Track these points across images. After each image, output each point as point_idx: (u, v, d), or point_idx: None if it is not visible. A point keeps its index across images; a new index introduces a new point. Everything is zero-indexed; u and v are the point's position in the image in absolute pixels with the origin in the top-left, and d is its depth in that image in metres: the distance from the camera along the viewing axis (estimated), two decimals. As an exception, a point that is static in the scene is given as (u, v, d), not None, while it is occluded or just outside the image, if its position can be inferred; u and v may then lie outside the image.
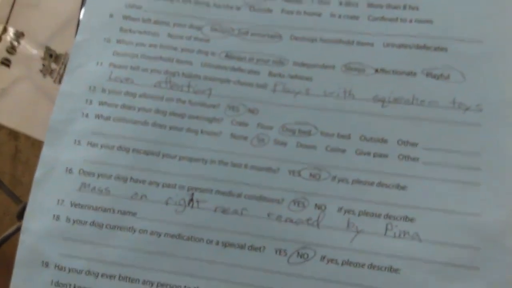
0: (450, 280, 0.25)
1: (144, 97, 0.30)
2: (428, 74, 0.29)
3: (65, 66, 0.34)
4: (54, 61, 0.35)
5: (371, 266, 0.26)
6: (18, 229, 0.32)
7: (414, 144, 0.28)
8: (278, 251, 0.27)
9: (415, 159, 0.28)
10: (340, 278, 0.26)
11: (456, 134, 0.28)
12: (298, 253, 0.27)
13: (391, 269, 0.26)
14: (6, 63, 0.35)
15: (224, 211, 0.28)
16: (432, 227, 0.26)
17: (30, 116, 0.34)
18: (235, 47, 0.31)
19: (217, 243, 0.27)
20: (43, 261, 0.28)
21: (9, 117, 0.35)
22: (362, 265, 0.26)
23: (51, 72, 0.35)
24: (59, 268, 0.28)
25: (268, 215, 0.28)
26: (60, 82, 0.34)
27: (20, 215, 0.33)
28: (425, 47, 0.30)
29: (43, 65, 0.35)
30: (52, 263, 0.28)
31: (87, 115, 0.30)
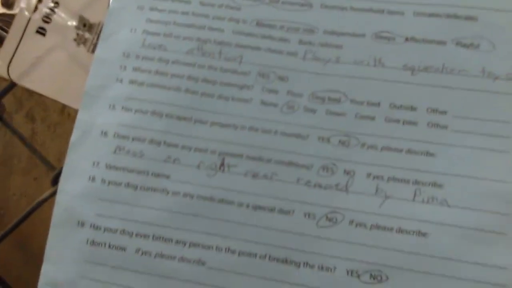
0: (477, 244, 0.26)
1: (176, 63, 0.31)
2: (458, 43, 0.29)
3: (98, 36, 0.35)
4: (87, 31, 0.35)
5: (400, 230, 0.27)
6: (53, 194, 0.33)
7: (443, 112, 0.28)
8: (307, 215, 0.28)
9: (444, 127, 0.28)
10: (369, 241, 0.27)
11: (485, 102, 0.28)
12: (327, 217, 0.27)
13: (419, 233, 0.26)
14: (42, 32, 0.36)
15: (254, 175, 0.28)
16: (460, 193, 0.27)
17: (64, 84, 0.35)
18: (266, 15, 0.31)
19: (248, 206, 0.28)
20: (79, 221, 0.29)
21: (43, 85, 0.35)
22: (391, 229, 0.27)
23: (84, 41, 0.35)
24: (95, 227, 0.29)
25: (298, 180, 0.28)
26: (93, 51, 0.35)
27: (55, 181, 0.34)
28: (455, 16, 0.30)
29: (77, 34, 0.35)
30: (88, 223, 0.29)
31: (121, 81, 0.31)
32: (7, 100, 0.74)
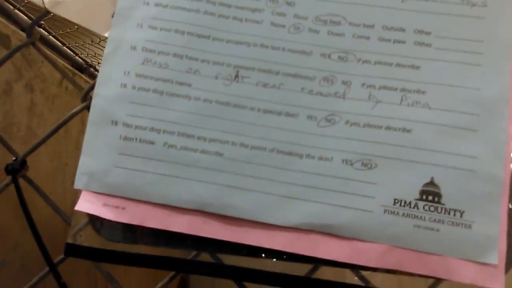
0: (454, 138, 0.31)
1: None
2: None
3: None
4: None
5: (388, 128, 0.31)
6: (83, 108, 0.38)
7: (428, 33, 0.33)
8: (309, 117, 0.32)
9: (428, 45, 0.32)
10: (361, 137, 0.32)
11: (464, 25, 0.33)
12: (326, 118, 0.32)
13: (404, 130, 0.31)
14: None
15: (265, 85, 0.33)
16: (440, 98, 0.31)
17: (93, 14, 0.39)
18: None
19: (259, 110, 0.33)
20: (112, 120, 0.34)
21: (74, 13, 0.40)
22: (380, 127, 0.32)
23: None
24: (127, 125, 0.33)
25: (302, 89, 0.33)
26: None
27: (84, 98, 0.38)
28: None
29: (104, -34, 0.39)
30: (121, 122, 0.33)
31: (147, 3, 0.35)
32: (7, 69, 0.77)
